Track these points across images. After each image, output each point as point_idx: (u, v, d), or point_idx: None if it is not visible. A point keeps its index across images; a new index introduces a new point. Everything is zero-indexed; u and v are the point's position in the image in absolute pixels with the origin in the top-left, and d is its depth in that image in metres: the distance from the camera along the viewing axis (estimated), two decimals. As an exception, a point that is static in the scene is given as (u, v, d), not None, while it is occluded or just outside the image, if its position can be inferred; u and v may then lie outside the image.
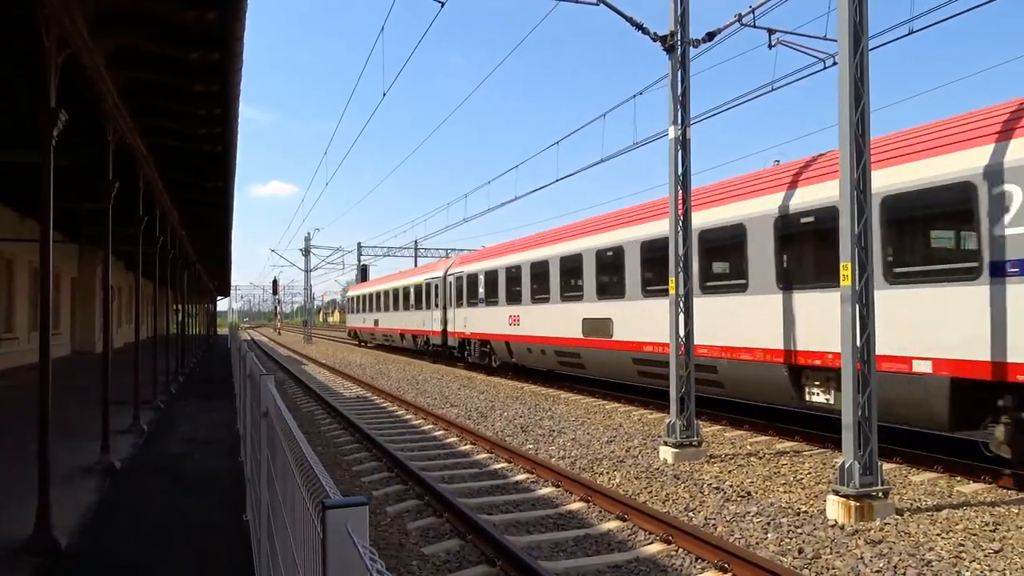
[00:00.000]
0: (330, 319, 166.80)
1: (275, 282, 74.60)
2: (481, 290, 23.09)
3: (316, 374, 25.80)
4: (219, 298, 70.67)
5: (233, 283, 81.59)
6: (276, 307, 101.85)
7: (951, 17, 9.78)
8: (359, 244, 60.31)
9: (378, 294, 39.30)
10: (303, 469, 2.08)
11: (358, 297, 45.95)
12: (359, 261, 60.45)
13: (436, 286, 28.27)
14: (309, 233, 59.28)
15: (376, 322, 39.67)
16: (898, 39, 10.51)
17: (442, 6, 11.07)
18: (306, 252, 58.21)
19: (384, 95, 16.03)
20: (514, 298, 20.39)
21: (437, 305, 27.99)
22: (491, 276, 22.28)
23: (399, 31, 26.30)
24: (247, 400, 6.87)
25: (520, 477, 9.32)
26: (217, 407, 14.26)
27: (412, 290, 32.19)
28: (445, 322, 27.06)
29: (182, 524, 6.39)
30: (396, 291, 35.26)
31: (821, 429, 11.31)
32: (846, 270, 7.35)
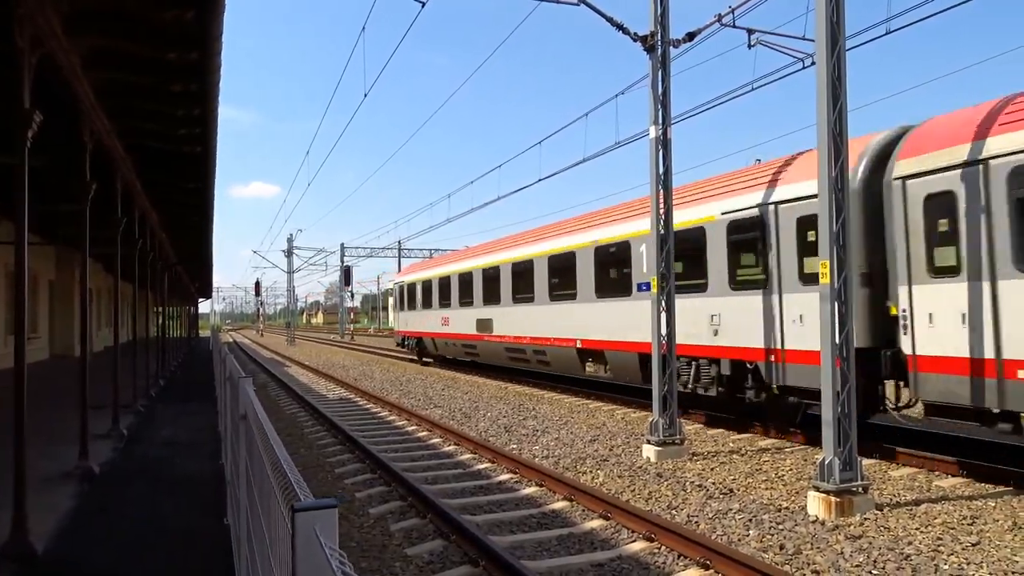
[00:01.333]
0: (313, 320, 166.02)
1: (257, 284, 74.40)
2: None
3: (299, 376, 25.64)
4: (200, 300, 70.12)
5: (215, 285, 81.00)
6: (258, 309, 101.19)
7: (928, 17, 9.92)
8: (342, 245, 60.33)
9: (488, 272, 21.37)
10: (277, 471, 2.07)
11: (430, 282, 26.58)
12: (342, 262, 60.36)
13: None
14: (292, 234, 59.40)
15: (483, 325, 21.55)
16: (876, 39, 10.63)
17: (423, 6, 11.04)
18: (289, 253, 58.07)
19: (365, 95, 15.98)
20: None
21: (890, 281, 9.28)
22: None
23: (380, 32, 26.19)
24: (228, 403, 6.81)
25: (504, 477, 9.32)
26: (198, 410, 14.12)
27: (679, 247, 11.44)
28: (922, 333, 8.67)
29: (162, 529, 6.32)
30: (561, 260, 17.04)
31: (805, 426, 11.40)
32: (824, 268, 7.41)
